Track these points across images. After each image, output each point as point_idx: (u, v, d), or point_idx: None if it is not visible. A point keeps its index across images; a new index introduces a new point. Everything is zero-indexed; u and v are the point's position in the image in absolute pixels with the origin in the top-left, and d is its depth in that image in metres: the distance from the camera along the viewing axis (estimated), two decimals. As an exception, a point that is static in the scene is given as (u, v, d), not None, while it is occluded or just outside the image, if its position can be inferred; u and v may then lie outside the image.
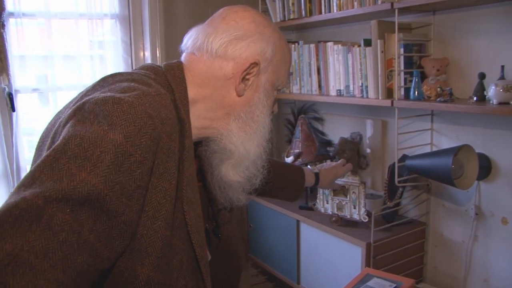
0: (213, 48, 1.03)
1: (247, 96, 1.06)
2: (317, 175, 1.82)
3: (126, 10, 2.66)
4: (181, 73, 1.03)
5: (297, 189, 1.74)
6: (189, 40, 1.08)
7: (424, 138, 2.12)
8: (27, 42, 2.39)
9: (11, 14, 2.28)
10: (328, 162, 2.01)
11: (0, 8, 2.12)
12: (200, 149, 1.12)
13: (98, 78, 1.02)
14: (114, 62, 2.65)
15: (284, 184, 1.69)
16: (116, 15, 2.63)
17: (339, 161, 1.95)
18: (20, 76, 2.39)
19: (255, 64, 1.03)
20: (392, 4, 1.90)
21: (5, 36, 2.21)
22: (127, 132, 0.80)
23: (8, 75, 2.23)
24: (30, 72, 2.45)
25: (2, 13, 2.15)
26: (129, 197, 0.81)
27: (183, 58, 1.09)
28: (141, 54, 2.71)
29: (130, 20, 2.67)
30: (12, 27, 2.29)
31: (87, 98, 0.87)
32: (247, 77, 1.04)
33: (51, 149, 0.79)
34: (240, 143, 1.06)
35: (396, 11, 1.89)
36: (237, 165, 1.08)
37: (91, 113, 0.82)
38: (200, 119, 1.05)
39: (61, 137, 0.81)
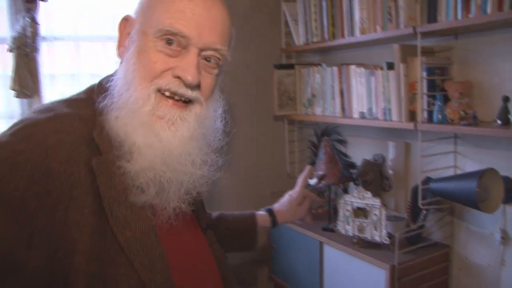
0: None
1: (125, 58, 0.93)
2: (271, 213, 1.54)
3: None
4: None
5: (251, 236, 1.48)
6: None
7: (447, 160, 2.12)
8: (57, 62, 2.47)
9: (43, 38, 2.37)
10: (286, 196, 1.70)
11: (35, 34, 2.21)
12: None
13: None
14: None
15: (235, 234, 1.45)
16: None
17: (296, 193, 1.67)
18: (49, 94, 2.46)
19: (125, 19, 0.96)
20: (414, 28, 1.93)
21: (37, 60, 2.29)
22: None
23: (39, 96, 2.31)
24: (59, 91, 2.52)
25: (36, 38, 2.23)
26: (25, 247, 0.74)
27: None
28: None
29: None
30: (43, 47, 2.38)
31: None
32: (124, 35, 0.95)
33: None
34: (126, 130, 0.89)
35: (419, 35, 1.92)
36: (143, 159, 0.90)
37: None
38: None
39: None
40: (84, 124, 0.86)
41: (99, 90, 0.92)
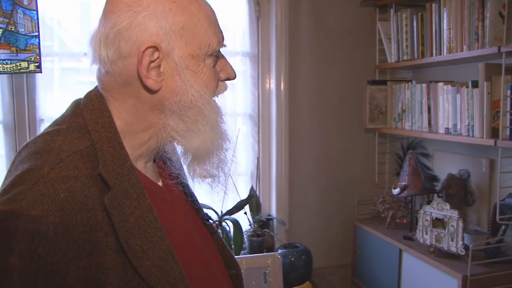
0: (104, 56, 0.86)
1: (167, 85, 0.88)
2: None
3: (256, 49, 3.01)
4: (100, 100, 0.90)
5: None
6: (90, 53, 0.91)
7: (531, 178, 2.15)
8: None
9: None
10: None
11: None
12: (158, 164, 1.03)
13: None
14: (243, 94, 3.00)
15: None
16: (246, 53, 3.00)
17: None
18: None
19: (152, 48, 0.84)
20: (499, 48, 2.00)
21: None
22: (21, 251, 0.72)
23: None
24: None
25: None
26: None
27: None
28: (267, 86, 3.03)
29: (259, 57, 3.02)
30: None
31: None
32: (152, 65, 0.85)
33: None
34: (188, 137, 0.92)
35: (504, 54, 1.99)
36: (199, 160, 0.95)
37: None
38: (137, 134, 0.92)
39: None
40: (87, 160, 0.82)
41: (90, 115, 0.88)
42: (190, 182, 1.04)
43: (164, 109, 0.90)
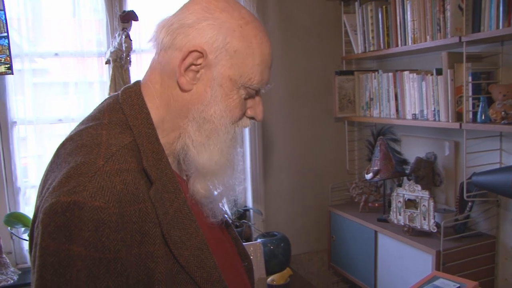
0: (161, 40, 0.92)
1: (198, 92, 0.93)
2: None
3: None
4: (139, 97, 0.94)
5: None
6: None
7: (493, 157, 2.30)
8: (144, 71, 2.86)
9: (133, 51, 2.76)
10: None
11: (128, 48, 2.61)
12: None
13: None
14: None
15: None
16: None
17: None
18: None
19: (199, 53, 0.89)
20: (460, 38, 2.14)
21: (129, 70, 2.69)
22: (86, 240, 0.76)
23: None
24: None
25: (129, 52, 2.63)
26: None
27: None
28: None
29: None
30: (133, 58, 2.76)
31: (42, 202, 0.82)
32: (192, 68, 0.91)
33: (35, 279, 0.78)
34: (199, 149, 0.95)
35: (464, 44, 2.13)
36: (202, 176, 0.98)
37: (47, 226, 0.77)
38: (168, 134, 0.97)
39: (36, 262, 0.78)
40: (132, 155, 0.87)
41: (130, 110, 0.93)
42: None
43: (188, 114, 0.94)
